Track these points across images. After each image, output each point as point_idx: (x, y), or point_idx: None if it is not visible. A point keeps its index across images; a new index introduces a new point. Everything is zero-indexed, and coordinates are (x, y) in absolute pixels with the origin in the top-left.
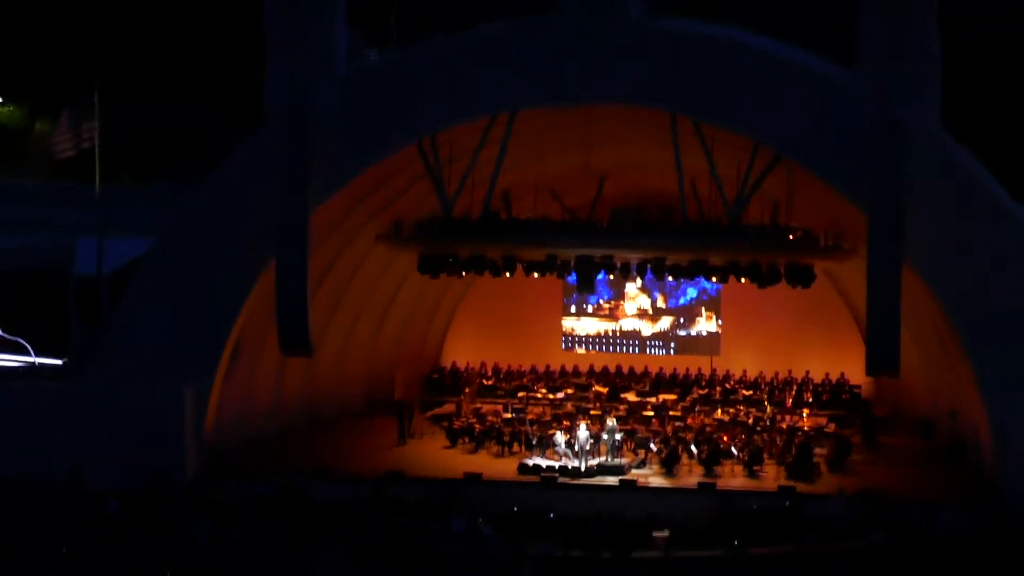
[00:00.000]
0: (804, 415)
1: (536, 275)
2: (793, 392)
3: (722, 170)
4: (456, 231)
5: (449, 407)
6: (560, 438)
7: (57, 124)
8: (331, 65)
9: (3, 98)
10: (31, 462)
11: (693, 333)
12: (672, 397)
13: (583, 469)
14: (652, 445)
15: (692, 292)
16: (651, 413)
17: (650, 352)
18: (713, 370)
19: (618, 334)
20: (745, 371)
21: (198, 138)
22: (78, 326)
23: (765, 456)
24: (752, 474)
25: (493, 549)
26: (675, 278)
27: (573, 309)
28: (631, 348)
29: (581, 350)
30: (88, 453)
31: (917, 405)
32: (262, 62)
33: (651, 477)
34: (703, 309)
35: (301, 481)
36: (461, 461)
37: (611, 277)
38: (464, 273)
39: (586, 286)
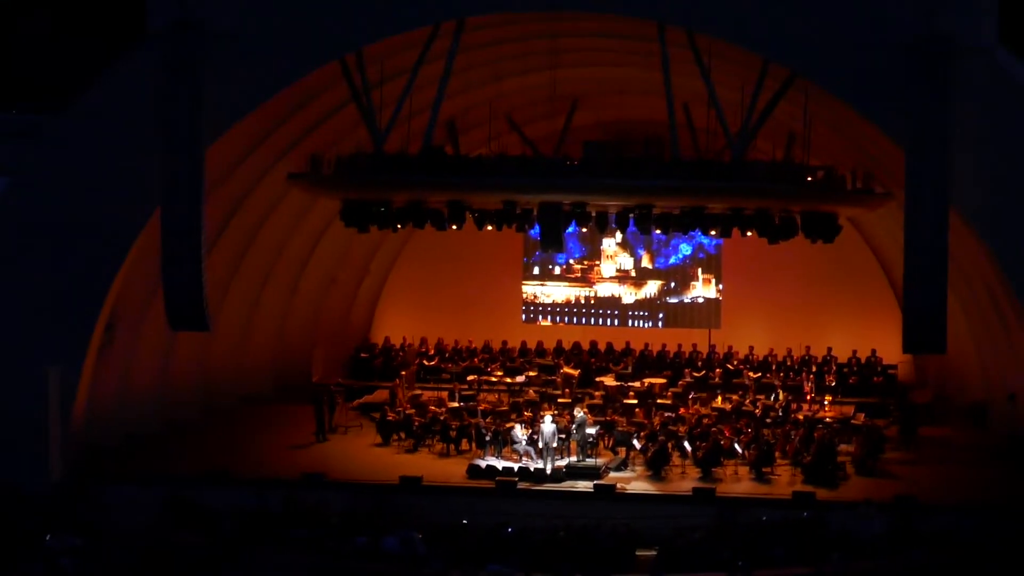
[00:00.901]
0: (826, 403)
1: (490, 227)
2: (812, 374)
3: (722, 94)
4: (389, 170)
5: (381, 395)
6: (520, 433)
7: None
8: None
9: None
10: None
11: (687, 300)
12: (661, 381)
13: (549, 472)
14: (635, 441)
15: (685, 249)
16: (634, 401)
17: (633, 325)
18: (712, 347)
19: (592, 302)
20: (752, 348)
21: (60, 60)
22: None
23: (777, 455)
24: (761, 477)
25: (435, 572)
26: (665, 231)
27: (536, 271)
28: (609, 320)
29: (546, 322)
30: None
31: (967, 389)
32: None
33: (634, 481)
34: (699, 270)
35: (194, 487)
36: (396, 462)
37: (584, 230)
38: (400, 225)
39: (552, 241)
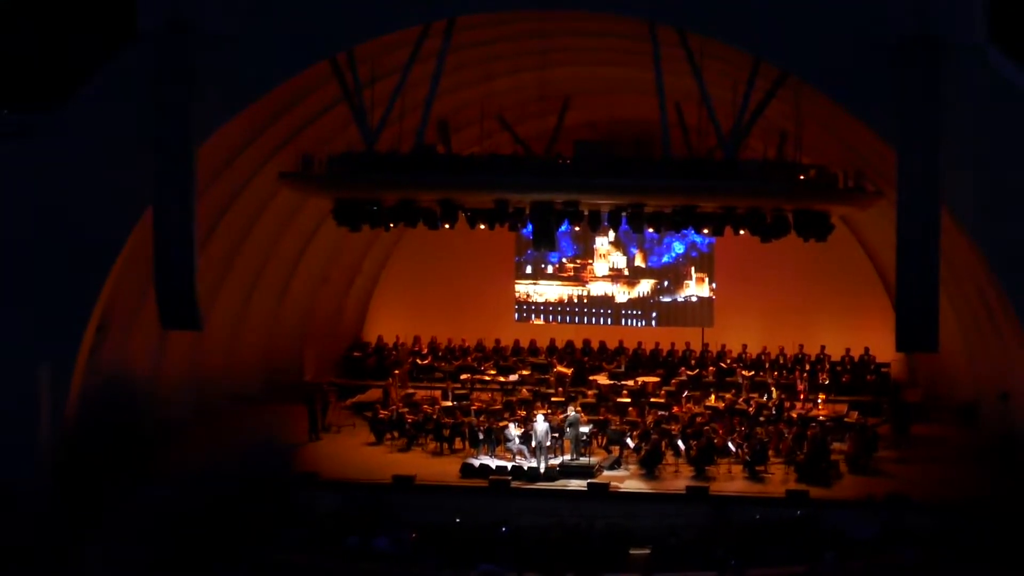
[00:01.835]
0: (819, 402)
1: (482, 226)
2: (805, 373)
3: (714, 93)
4: (381, 169)
5: (374, 393)
6: (513, 432)
7: None
8: None
9: None
10: None
11: (680, 299)
12: (654, 380)
13: (542, 470)
14: (628, 440)
15: (679, 248)
16: (627, 400)
17: (626, 323)
18: (705, 346)
19: (585, 301)
20: (745, 347)
21: (51, 57)
22: None
23: (770, 453)
24: (754, 476)
25: (427, 572)
26: (657, 230)
27: (529, 270)
28: (602, 319)
29: (539, 321)
30: None
31: (958, 388)
32: None
33: (627, 480)
34: (692, 269)
35: (186, 485)
36: (389, 461)
37: (576, 229)
38: (392, 224)
39: (545, 240)
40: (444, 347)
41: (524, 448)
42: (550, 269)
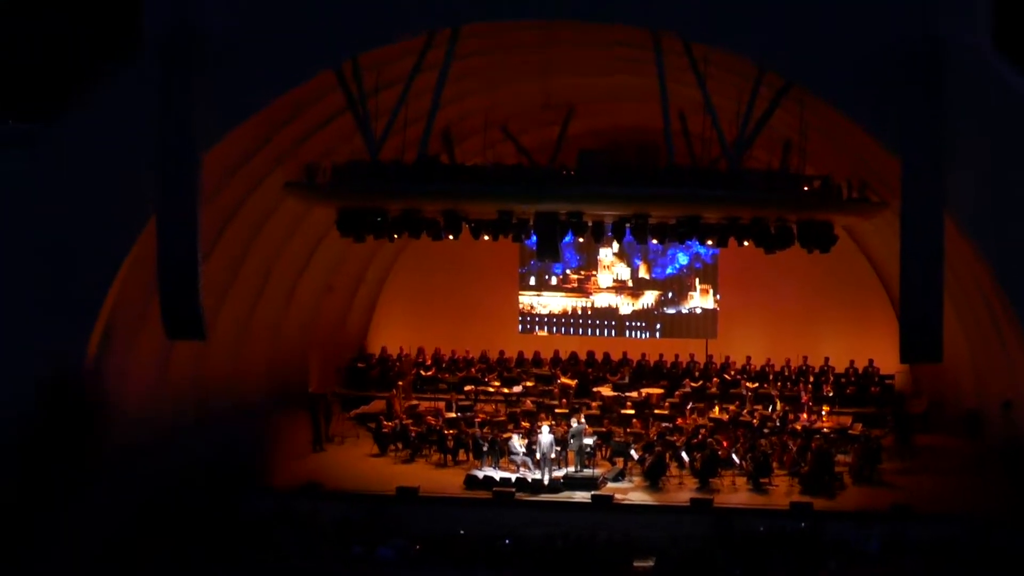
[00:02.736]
0: (823, 413)
1: (486, 237)
2: (809, 384)
3: (718, 102)
4: (385, 179)
5: (377, 404)
6: (517, 443)
7: None
8: None
9: None
10: None
11: (684, 311)
12: (658, 392)
13: (546, 482)
14: (632, 452)
15: (682, 259)
16: (631, 412)
17: (630, 335)
18: (709, 357)
19: (589, 312)
20: (749, 358)
21: (56, 65)
22: None
23: (774, 465)
24: (758, 488)
25: None
26: (661, 241)
27: (532, 281)
28: (606, 330)
29: (543, 332)
30: None
31: (962, 398)
32: None
33: (631, 492)
34: (696, 280)
35: (190, 493)
36: (393, 472)
37: (580, 240)
38: (396, 235)
39: (549, 251)
40: (448, 358)
41: (528, 460)
42: (554, 280)
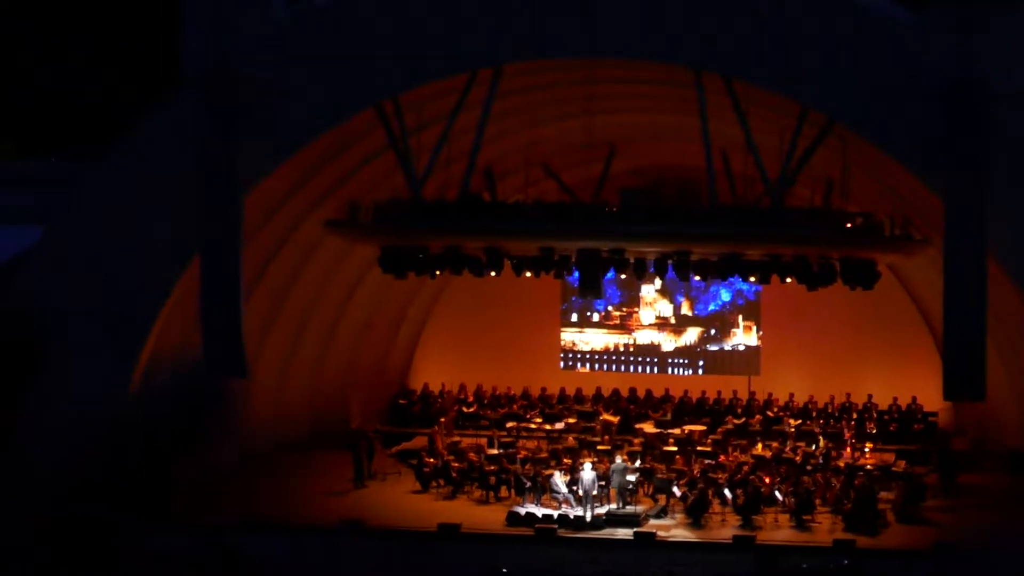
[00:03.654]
0: (866, 450)
1: (528, 274)
2: (852, 421)
3: (760, 140)
4: (427, 217)
5: (420, 441)
6: (559, 480)
7: None
8: (264, 10)
9: None
10: None
11: (727, 348)
12: (700, 428)
13: (588, 519)
14: (675, 489)
15: (725, 296)
16: (674, 448)
17: (672, 372)
18: (752, 394)
19: (631, 349)
20: (792, 395)
21: (100, 106)
22: None
23: (817, 502)
24: (801, 525)
25: None
26: (703, 278)
27: (575, 318)
28: (648, 367)
29: (585, 369)
30: None
31: (1006, 436)
32: (177, 12)
33: (674, 529)
34: (739, 317)
35: (233, 532)
36: (435, 509)
37: (622, 277)
38: (438, 272)
39: (591, 288)
40: (489, 395)
41: (570, 496)
42: (596, 317)
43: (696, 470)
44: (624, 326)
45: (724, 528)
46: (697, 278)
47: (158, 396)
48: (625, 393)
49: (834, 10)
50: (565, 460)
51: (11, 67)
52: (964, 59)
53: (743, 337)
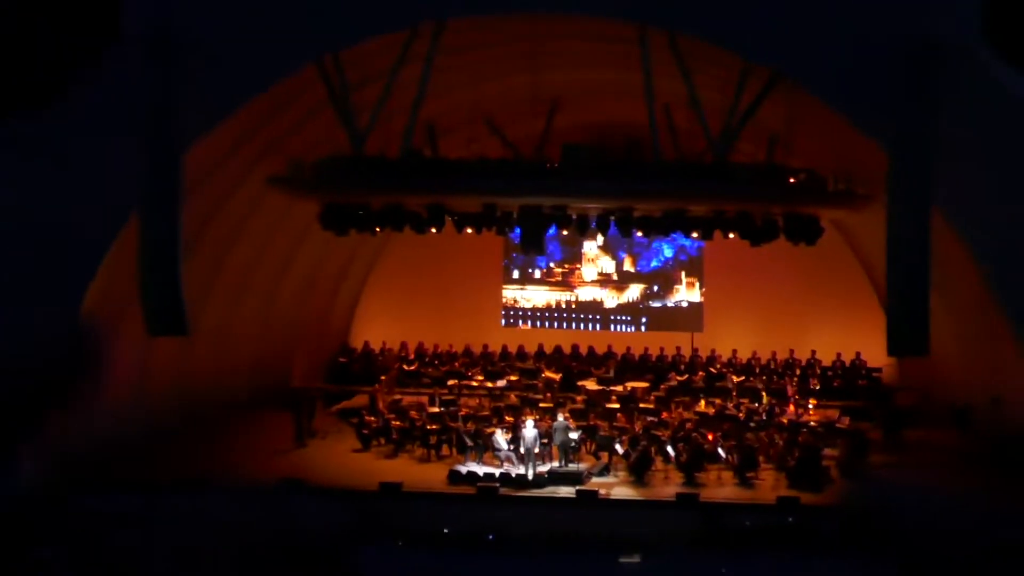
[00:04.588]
0: (810, 407)
1: (470, 231)
2: (796, 378)
3: (704, 95)
4: (368, 174)
5: (360, 399)
6: (501, 438)
7: None
8: None
9: None
10: None
11: (670, 304)
12: (643, 385)
13: (531, 477)
14: (618, 446)
15: (668, 252)
16: (616, 406)
17: (615, 329)
18: (695, 351)
19: (574, 306)
20: (735, 352)
21: (36, 65)
22: None
23: (761, 459)
24: (745, 482)
25: None
26: (646, 234)
27: (516, 275)
28: (591, 324)
29: (527, 326)
30: None
31: (951, 391)
32: None
33: (616, 487)
34: (682, 274)
35: (175, 494)
36: (376, 468)
37: (564, 233)
38: (379, 228)
39: (533, 245)
40: (431, 353)
41: (512, 455)
42: (538, 274)
43: (639, 428)
44: (566, 283)
45: (667, 486)
46: (640, 234)
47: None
48: (567, 350)
49: None
50: (507, 418)
51: None
52: (912, 11)
53: (686, 293)
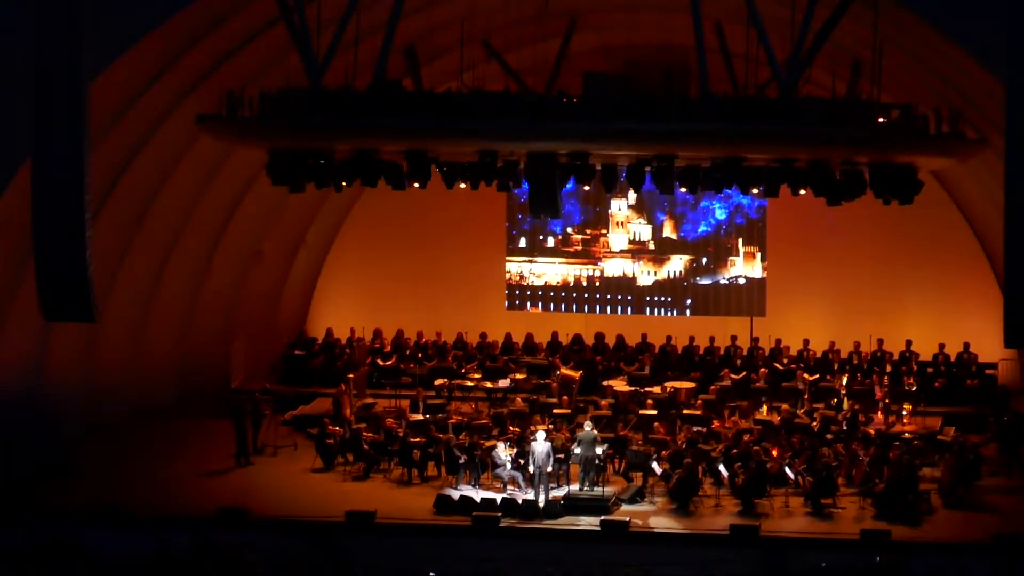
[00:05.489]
0: (904, 414)
1: (464, 186)
2: (886, 376)
3: (767, 10)
4: (330, 111)
5: (322, 404)
6: (504, 454)
7: None
8: None
9: None
10: None
11: (723, 281)
12: (688, 386)
13: (542, 504)
14: (655, 465)
15: (720, 213)
16: (653, 412)
17: (652, 313)
18: (755, 341)
19: (598, 283)
20: (807, 343)
21: None
22: None
23: (840, 481)
24: (819, 511)
25: None
26: (691, 190)
27: (524, 243)
28: (620, 307)
29: (537, 310)
30: None
31: None
32: None
33: (653, 516)
34: (739, 242)
35: (74, 527)
36: (342, 492)
37: (586, 189)
38: (344, 183)
39: (545, 204)
40: (413, 344)
41: (518, 475)
42: (551, 242)
43: (682, 440)
44: (588, 253)
45: (719, 515)
46: (683, 190)
47: None
48: (590, 341)
49: None
50: (512, 428)
51: None
52: None
53: (743, 267)
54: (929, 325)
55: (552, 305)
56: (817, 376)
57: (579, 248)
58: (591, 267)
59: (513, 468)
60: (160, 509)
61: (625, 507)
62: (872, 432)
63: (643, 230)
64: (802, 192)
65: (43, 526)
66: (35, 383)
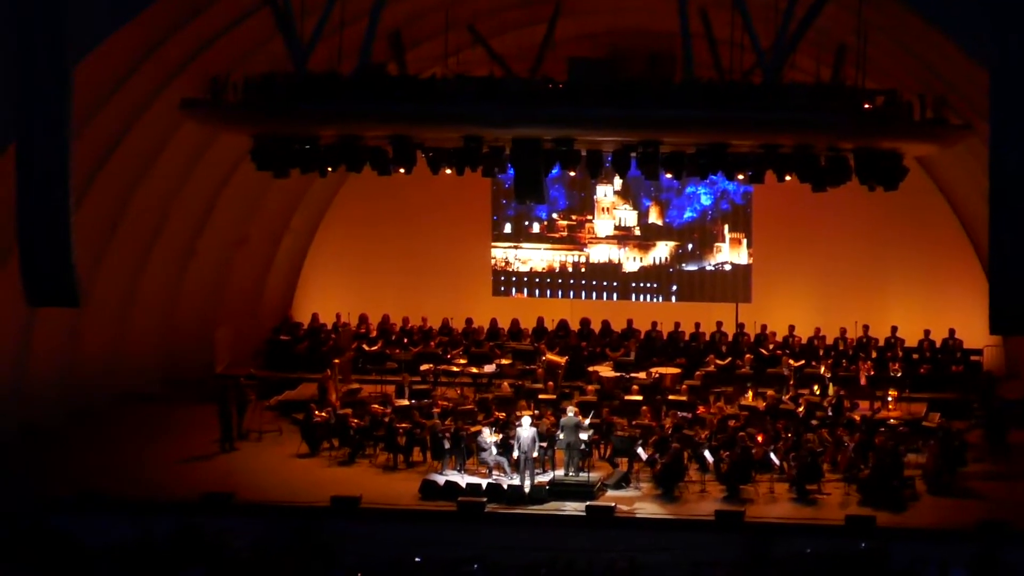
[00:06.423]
0: (889, 400)
1: (449, 171)
2: (871, 362)
3: None
4: (315, 96)
5: (307, 390)
6: (489, 439)
7: None
8: None
9: None
10: None
11: (708, 267)
12: (674, 372)
13: (527, 490)
14: (640, 450)
15: (705, 199)
16: (639, 398)
17: (637, 299)
18: (740, 327)
19: (584, 269)
20: (792, 328)
21: None
22: None
23: (825, 467)
24: (803, 497)
25: None
26: (676, 176)
27: (509, 229)
28: (605, 293)
29: (522, 295)
30: None
31: None
32: None
33: (639, 502)
34: (724, 228)
35: (59, 513)
36: (327, 477)
37: (571, 175)
38: (329, 168)
39: (530, 189)
40: (398, 329)
41: (503, 461)
42: (537, 228)
43: (668, 426)
44: (573, 239)
45: (704, 501)
46: (669, 176)
47: None
48: (575, 327)
49: None
50: (497, 413)
51: None
52: None
53: (729, 253)
54: (914, 311)
55: (538, 291)
56: (802, 362)
57: (564, 234)
58: (577, 253)
59: (498, 453)
60: (144, 494)
61: (611, 492)
62: (857, 418)
63: (629, 216)
64: (787, 178)
65: (26, 513)
66: (18, 368)
